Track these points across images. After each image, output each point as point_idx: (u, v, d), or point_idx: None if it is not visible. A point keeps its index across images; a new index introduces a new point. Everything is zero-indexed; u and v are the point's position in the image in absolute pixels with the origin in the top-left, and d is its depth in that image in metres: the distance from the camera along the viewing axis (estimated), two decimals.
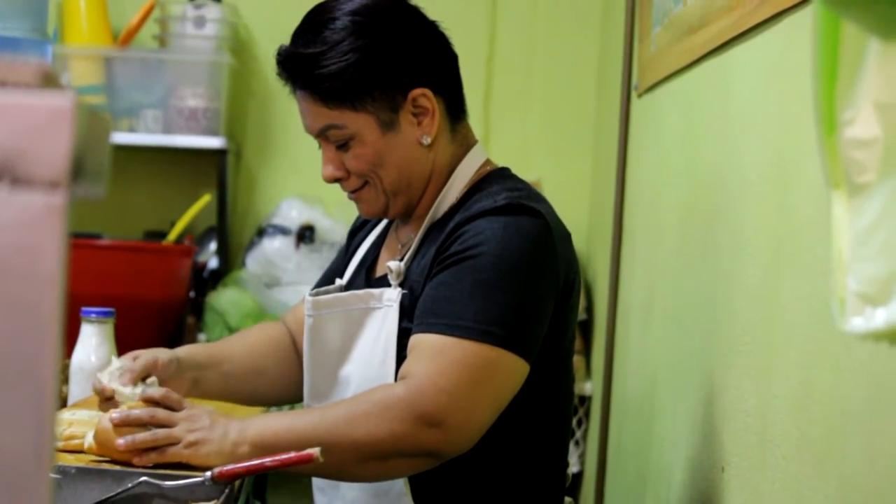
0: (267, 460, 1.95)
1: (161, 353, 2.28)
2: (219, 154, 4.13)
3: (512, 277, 2.09)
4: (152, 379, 2.24)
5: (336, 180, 2.28)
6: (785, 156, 1.99)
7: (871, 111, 1.07)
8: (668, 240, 2.90)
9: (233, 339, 2.57)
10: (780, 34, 2.06)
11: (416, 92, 2.22)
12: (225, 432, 2.02)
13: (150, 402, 2.07)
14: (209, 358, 2.38)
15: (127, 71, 4.07)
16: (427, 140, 2.24)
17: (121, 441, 2.02)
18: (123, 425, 2.04)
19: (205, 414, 2.06)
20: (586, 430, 4.09)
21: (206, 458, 2.00)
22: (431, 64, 2.27)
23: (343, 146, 2.24)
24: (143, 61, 4.11)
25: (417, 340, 2.10)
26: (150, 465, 2.01)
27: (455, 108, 2.32)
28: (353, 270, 2.42)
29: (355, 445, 2.00)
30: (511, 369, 2.09)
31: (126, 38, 4.05)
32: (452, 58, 2.34)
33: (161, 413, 2.05)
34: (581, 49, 4.43)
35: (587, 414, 4.08)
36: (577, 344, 4.04)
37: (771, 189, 2.06)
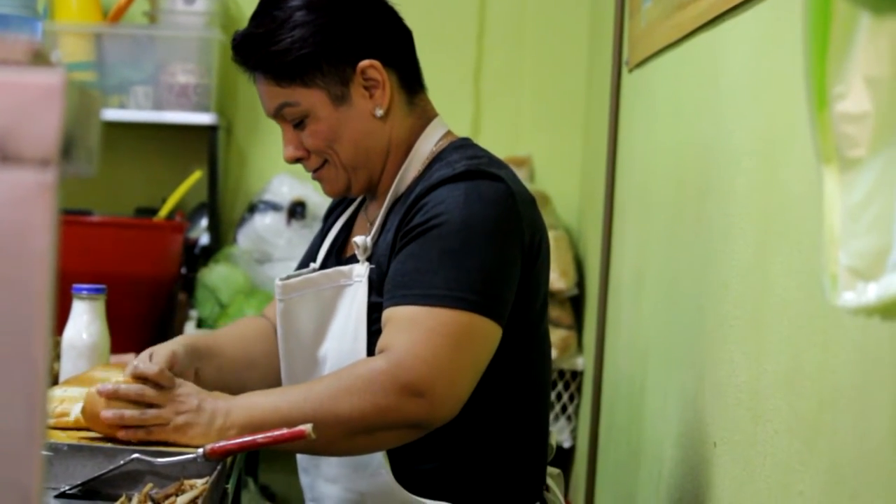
0: (259, 437, 1.95)
1: (175, 346, 2.28)
2: (209, 130, 4.12)
3: (478, 242, 2.10)
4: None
5: (297, 160, 2.32)
6: (775, 131, 1.99)
7: (862, 86, 1.07)
8: (659, 215, 2.90)
9: (223, 332, 2.58)
10: (771, 9, 2.06)
11: (364, 63, 2.24)
12: (212, 415, 2.03)
13: (142, 378, 2.07)
14: (207, 349, 2.38)
15: (117, 47, 4.06)
16: (380, 112, 2.26)
17: (108, 413, 2.02)
18: (112, 399, 2.04)
19: (193, 395, 2.06)
20: (578, 406, 4.10)
21: (191, 440, 2.01)
22: (379, 37, 2.29)
23: (300, 125, 2.27)
24: (133, 37, 4.10)
25: (391, 313, 2.10)
26: (135, 440, 2.01)
27: (410, 81, 2.34)
28: (325, 252, 2.43)
29: (341, 421, 2.01)
30: (486, 333, 2.10)
31: (116, 15, 4.04)
32: (404, 32, 2.36)
33: (150, 392, 2.05)
34: (571, 24, 4.42)
35: (579, 389, 4.08)
36: (569, 319, 4.05)
37: (761, 164, 2.06)
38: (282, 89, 2.24)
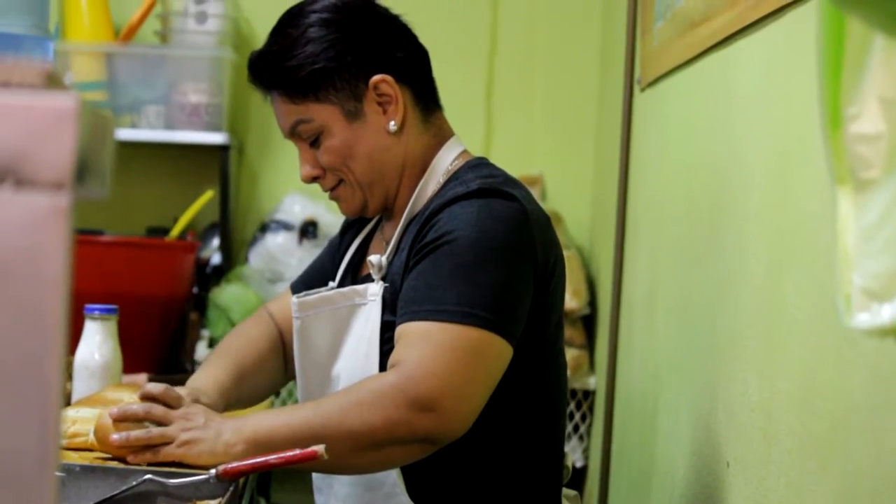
0: (271, 458, 1.95)
1: (199, 393, 2.26)
2: (221, 150, 4.13)
3: (490, 260, 2.11)
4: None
5: (314, 179, 2.32)
6: (788, 151, 1.99)
7: (877, 106, 1.07)
8: (672, 234, 2.89)
9: (240, 344, 2.52)
10: (783, 28, 2.06)
11: (377, 78, 2.24)
12: (218, 431, 2.02)
13: (149, 398, 2.08)
14: (236, 381, 2.37)
15: (128, 67, 4.07)
16: (393, 127, 2.26)
17: (115, 437, 2.03)
18: (121, 420, 2.04)
19: (200, 413, 2.06)
20: (590, 425, 4.09)
21: (198, 457, 2.01)
22: (392, 53, 2.30)
23: (315, 143, 2.28)
24: (144, 57, 4.11)
25: (403, 329, 2.10)
26: (145, 463, 2.01)
27: (425, 99, 2.34)
28: (343, 272, 2.44)
29: (350, 435, 2.00)
30: (497, 351, 2.10)
31: (128, 34, 4.05)
32: (419, 50, 2.36)
33: (157, 409, 2.05)
34: (583, 43, 4.42)
35: (591, 408, 4.07)
36: (580, 338, 4.04)
37: (774, 184, 2.06)
38: (295, 106, 2.25)
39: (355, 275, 2.40)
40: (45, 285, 0.80)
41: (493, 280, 2.10)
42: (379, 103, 2.26)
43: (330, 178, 2.30)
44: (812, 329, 1.80)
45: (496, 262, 2.11)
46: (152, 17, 4.18)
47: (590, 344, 4.12)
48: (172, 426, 2.04)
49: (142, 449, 2.03)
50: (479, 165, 2.29)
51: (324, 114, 2.24)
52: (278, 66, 2.25)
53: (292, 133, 2.29)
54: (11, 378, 0.81)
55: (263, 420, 2.06)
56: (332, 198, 2.35)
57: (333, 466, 2.12)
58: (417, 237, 2.17)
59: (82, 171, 0.80)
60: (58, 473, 0.84)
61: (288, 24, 2.28)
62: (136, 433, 2.03)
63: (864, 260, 1.08)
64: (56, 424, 0.83)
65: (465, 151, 2.35)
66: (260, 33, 4.22)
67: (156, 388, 2.09)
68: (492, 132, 4.38)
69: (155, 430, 2.03)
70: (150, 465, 2.01)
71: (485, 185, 2.17)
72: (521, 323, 2.14)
